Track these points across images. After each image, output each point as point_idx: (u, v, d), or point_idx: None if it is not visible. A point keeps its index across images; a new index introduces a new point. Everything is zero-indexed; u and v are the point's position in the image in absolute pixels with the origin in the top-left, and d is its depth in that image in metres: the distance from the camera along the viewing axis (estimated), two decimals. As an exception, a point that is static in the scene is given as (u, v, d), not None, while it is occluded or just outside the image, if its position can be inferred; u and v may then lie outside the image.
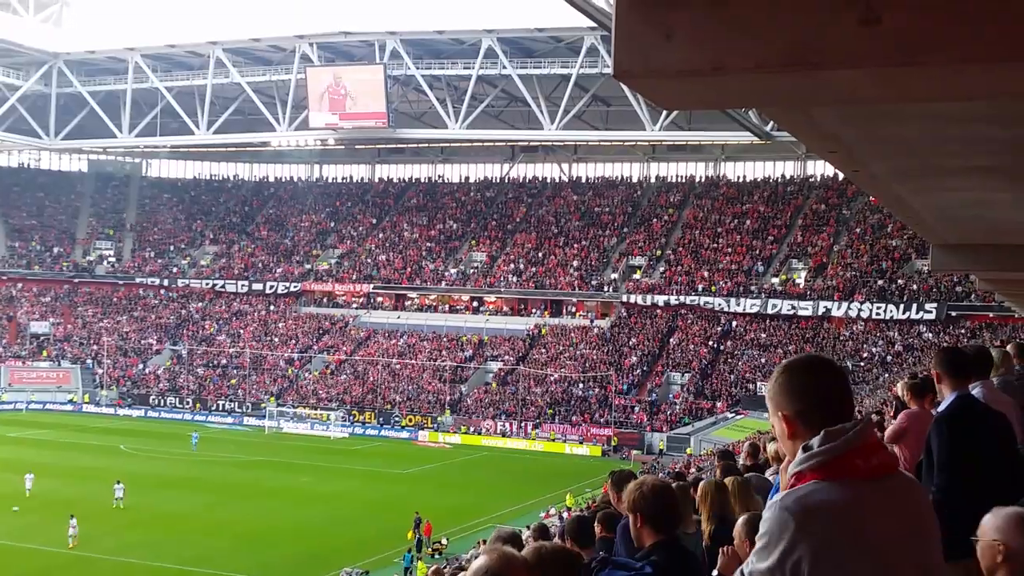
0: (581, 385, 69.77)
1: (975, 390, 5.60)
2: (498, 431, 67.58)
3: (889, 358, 62.70)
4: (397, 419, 70.60)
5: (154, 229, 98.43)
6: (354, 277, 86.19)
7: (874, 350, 64.18)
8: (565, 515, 38.45)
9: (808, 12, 2.56)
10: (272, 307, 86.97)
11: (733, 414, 62.20)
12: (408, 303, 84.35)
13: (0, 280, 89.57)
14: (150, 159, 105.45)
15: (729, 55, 2.67)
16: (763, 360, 67.25)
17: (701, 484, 7.38)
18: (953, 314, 63.88)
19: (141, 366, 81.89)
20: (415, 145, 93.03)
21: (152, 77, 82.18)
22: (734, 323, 71.62)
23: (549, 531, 13.82)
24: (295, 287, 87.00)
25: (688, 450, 59.14)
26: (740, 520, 5.26)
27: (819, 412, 2.65)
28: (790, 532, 2.50)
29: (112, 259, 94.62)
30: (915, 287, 66.86)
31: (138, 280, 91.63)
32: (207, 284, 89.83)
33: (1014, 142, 4.72)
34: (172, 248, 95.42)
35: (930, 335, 63.68)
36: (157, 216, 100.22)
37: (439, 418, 69.75)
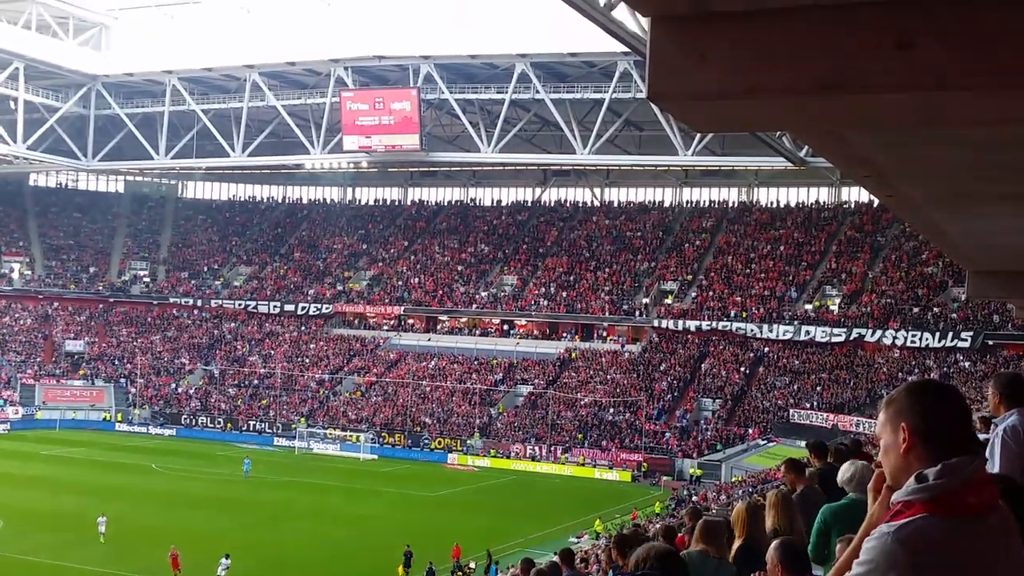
0: (611, 410, 69.48)
1: (1011, 417, 5.63)
2: (527, 455, 67.39)
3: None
4: (426, 441, 70.58)
5: (188, 250, 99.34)
6: (385, 299, 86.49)
7: (910, 378, 63.45)
8: (592, 542, 38.30)
9: (843, 37, 2.57)
10: (303, 328, 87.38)
11: (765, 441, 61.68)
12: (439, 326, 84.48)
13: (36, 299, 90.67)
14: (186, 181, 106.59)
15: (762, 78, 2.69)
16: (795, 387, 66.73)
17: (736, 506, 7.38)
18: (990, 343, 63.13)
19: (173, 385, 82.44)
20: (447, 168, 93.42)
21: (189, 100, 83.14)
22: (766, 349, 71.15)
23: (574, 555, 13.76)
24: (327, 308, 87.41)
25: (698, 471, 59.33)
26: (773, 544, 5.20)
27: (943, 436, 2.61)
28: (899, 567, 2.46)
29: (147, 279, 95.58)
30: (952, 315, 66.13)
31: (172, 300, 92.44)
32: (240, 305, 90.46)
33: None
34: (206, 269, 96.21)
35: (967, 364, 62.95)
36: (191, 237, 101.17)
37: (468, 441, 69.66)
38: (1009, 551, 2.59)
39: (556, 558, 12.60)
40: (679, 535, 10.37)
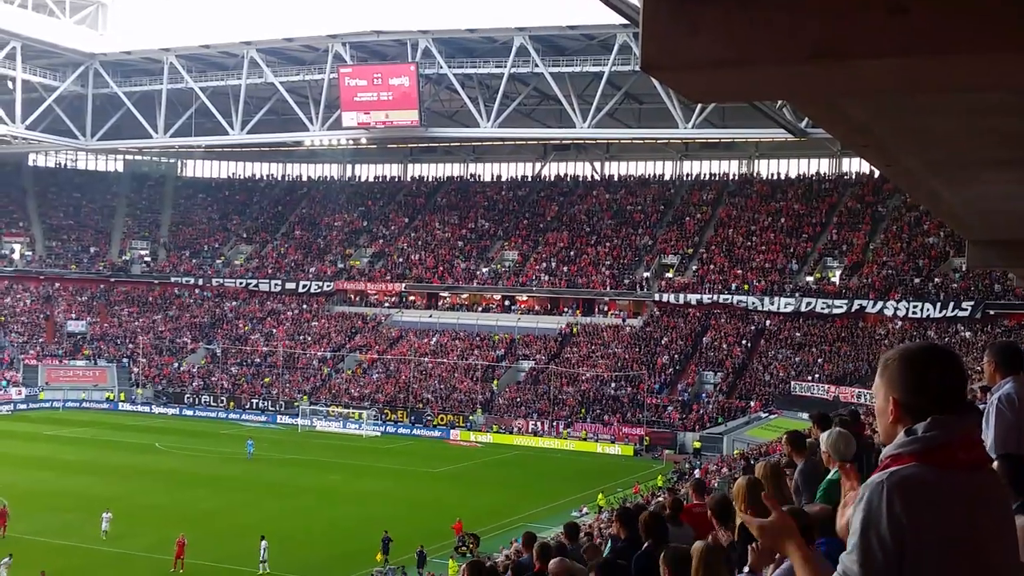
0: (613, 384, 69.62)
1: (1006, 384, 5.64)
2: (530, 430, 67.58)
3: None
4: (429, 418, 70.76)
5: (188, 229, 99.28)
6: (386, 276, 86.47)
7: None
8: (593, 517, 38.46)
9: (835, 2, 2.55)
10: (305, 306, 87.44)
11: (767, 414, 61.82)
12: (440, 302, 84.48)
13: (37, 279, 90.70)
14: (185, 159, 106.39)
15: (756, 46, 2.66)
16: (797, 359, 66.81)
17: (737, 480, 7.38)
18: (991, 312, 63.18)
19: (176, 365, 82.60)
20: (447, 144, 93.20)
21: (187, 78, 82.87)
22: (768, 322, 71.19)
23: (579, 529, 13.81)
24: (328, 286, 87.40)
25: (697, 444, 59.49)
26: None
27: (932, 406, 2.65)
28: (895, 511, 2.51)
29: (147, 258, 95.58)
30: (953, 285, 66.13)
31: (173, 279, 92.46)
32: (241, 283, 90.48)
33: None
34: (206, 248, 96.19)
35: (968, 334, 63.00)
36: (192, 216, 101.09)
37: (471, 417, 69.85)
38: (998, 506, 2.67)
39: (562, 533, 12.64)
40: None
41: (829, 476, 6.86)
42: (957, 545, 2.52)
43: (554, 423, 67.39)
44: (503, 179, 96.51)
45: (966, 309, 63.59)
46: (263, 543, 35.07)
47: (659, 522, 8.18)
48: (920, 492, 2.53)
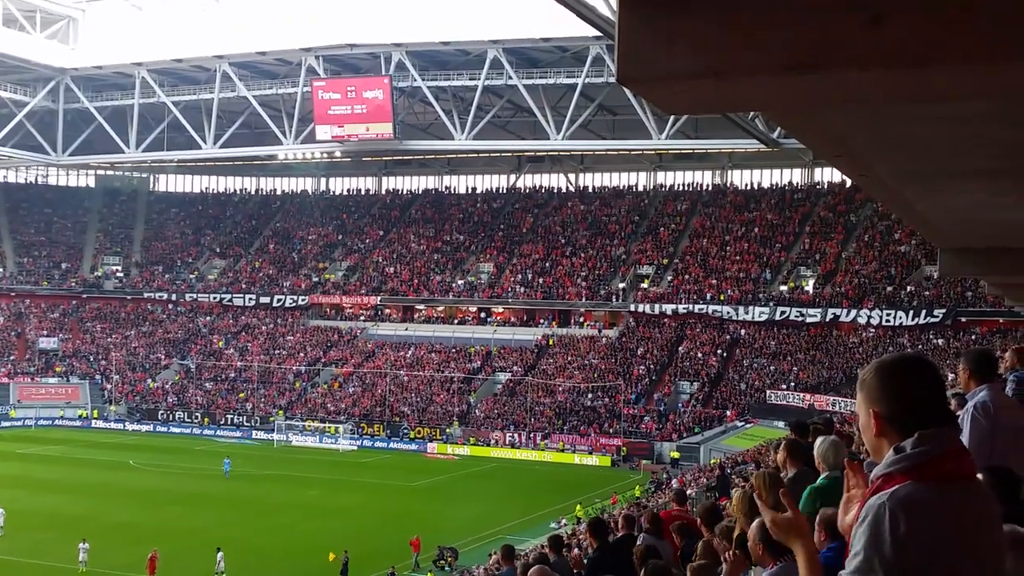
0: (590, 395, 69.65)
1: (981, 392, 5.68)
2: (507, 442, 67.47)
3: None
4: (406, 431, 70.51)
5: (161, 244, 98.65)
6: (361, 290, 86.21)
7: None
8: (571, 528, 38.39)
9: (812, 14, 2.54)
10: (280, 320, 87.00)
11: (743, 423, 61.99)
12: (416, 315, 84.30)
13: (8, 296, 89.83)
14: (157, 174, 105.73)
15: (732, 58, 2.65)
16: (772, 368, 67.07)
17: (736, 492, 7.36)
18: (963, 320, 63.69)
19: (149, 381, 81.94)
20: (421, 157, 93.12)
21: (159, 92, 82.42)
22: (742, 331, 71.46)
23: (563, 541, 13.81)
24: (303, 300, 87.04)
25: (674, 454, 59.15)
26: (755, 523, 5.15)
27: (913, 415, 2.63)
28: (898, 532, 2.48)
29: (120, 274, 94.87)
30: (925, 293, 66.64)
31: (146, 295, 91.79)
32: (215, 298, 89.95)
33: (1018, 143, 4.69)
34: (179, 263, 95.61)
35: (940, 341, 63.47)
36: (164, 231, 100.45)
37: (448, 430, 69.66)
38: (991, 516, 2.65)
39: (544, 545, 12.65)
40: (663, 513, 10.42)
41: (814, 484, 6.86)
42: (959, 559, 2.50)
43: (531, 435, 67.31)
44: (478, 191, 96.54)
45: (938, 316, 64.09)
46: (219, 555, 35.14)
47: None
48: (921, 511, 2.50)
